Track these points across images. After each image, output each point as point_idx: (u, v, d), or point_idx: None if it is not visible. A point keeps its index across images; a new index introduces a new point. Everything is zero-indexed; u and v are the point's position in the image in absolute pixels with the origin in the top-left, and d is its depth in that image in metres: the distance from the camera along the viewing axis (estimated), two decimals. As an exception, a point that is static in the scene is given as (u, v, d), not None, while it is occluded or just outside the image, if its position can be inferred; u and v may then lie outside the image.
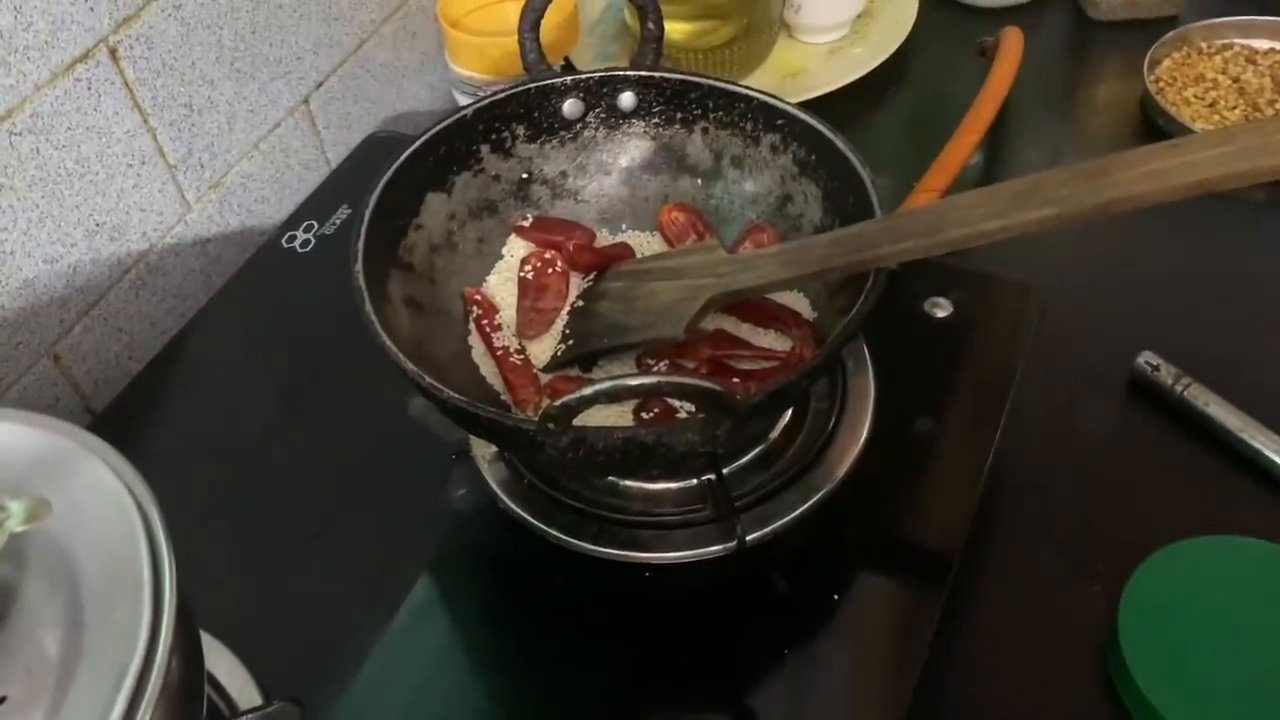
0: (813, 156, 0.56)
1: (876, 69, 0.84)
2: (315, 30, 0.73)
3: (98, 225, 0.62)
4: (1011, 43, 0.80)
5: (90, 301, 0.63)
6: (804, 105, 0.81)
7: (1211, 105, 0.79)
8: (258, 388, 0.65)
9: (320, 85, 0.75)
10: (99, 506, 0.40)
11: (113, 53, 0.60)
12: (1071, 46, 0.90)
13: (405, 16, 0.82)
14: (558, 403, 0.39)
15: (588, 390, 0.39)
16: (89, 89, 0.60)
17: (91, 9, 0.58)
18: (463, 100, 0.83)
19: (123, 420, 0.63)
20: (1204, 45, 0.83)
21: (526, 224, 0.61)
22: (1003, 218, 0.43)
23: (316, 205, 0.73)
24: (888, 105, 0.85)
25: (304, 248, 0.70)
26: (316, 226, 0.71)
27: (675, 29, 0.83)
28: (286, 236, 0.71)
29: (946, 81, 0.87)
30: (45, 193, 0.59)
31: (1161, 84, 0.81)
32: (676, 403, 0.52)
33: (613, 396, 0.39)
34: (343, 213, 0.72)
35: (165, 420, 0.63)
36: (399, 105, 0.84)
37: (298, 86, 0.74)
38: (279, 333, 0.67)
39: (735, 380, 0.53)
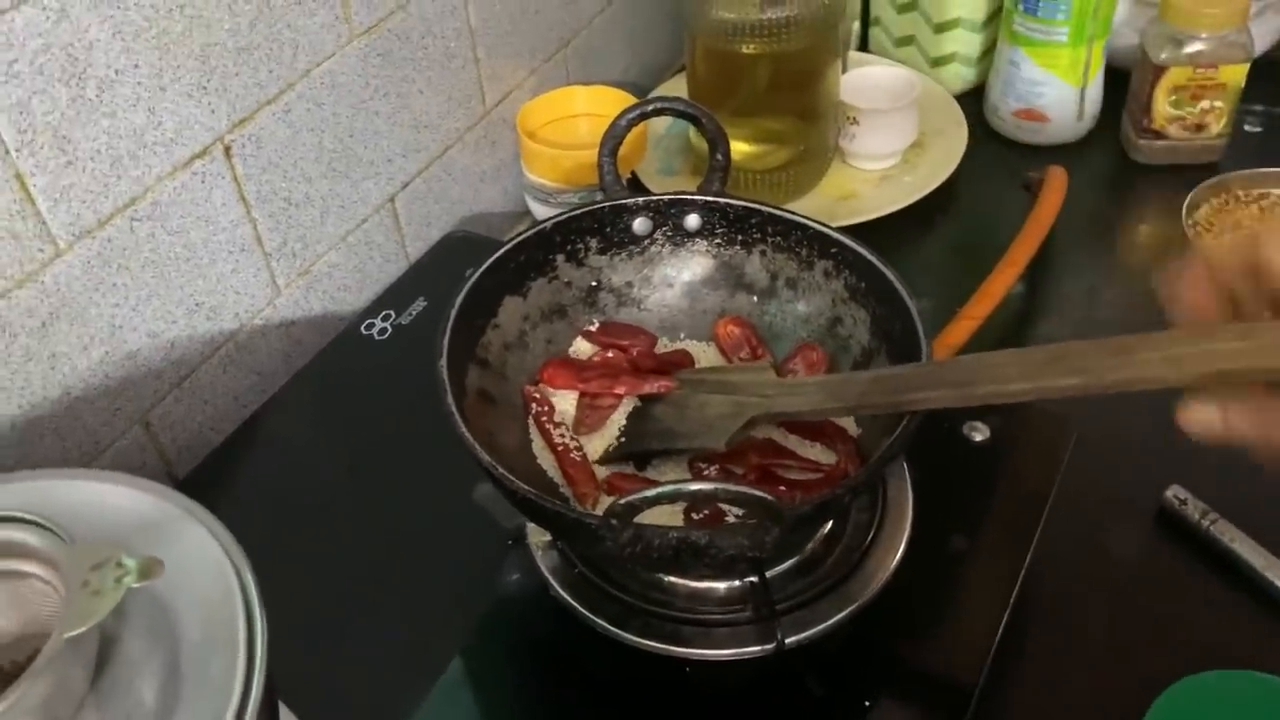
0: (863, 284, 0.61)
1: (925, 197, 0.89)
2: (406, 136, 0.80)
3: (197, 305, 0.68)
4: (1056, 180, 0.85)
5: (183, 375, 0.68)
6: (854, 228, 0.86)
7: (1246, 252, 0.82)
8: (328, 464, 0.69)
9: (406, 186, 0.81)
10: (199, 568, 0.43)
11: (227, 150, 0.66)
12: (1113, 186, 0.94)
13: (487, 126, 0.88)
14: (622, 501, 0.43)
15: (650, 492, 0.42)
16: (203, 182, 0.65)
17: (213, 111, 0.65)
18: (534, 205, 0.89)
19: (202, 487, 0.66)
20: (1242, 194, 0.87)
21: (593, 328, 0.65)
22: (1030, 381, 0.47)
23: (395, 296, 0.78)
24: (934, 232, 0.90)
25: (381, 335, 0.75)
26: (394, 316, 0.76)
27: (735, 149, 0.87)
28: (365, 324, 0.76)
29: (991, 212, 0.92)
30: (155, 273, 0.64)
31: (1199, 228, 0.85)
32: (725, 507, 0.55)
33: (674, 499, 0.43)
34: (419, 304, 0.77)
35: (241, 489, 0.67)
36: (475, 207, 0.89)
37: (386, 186, 0.79)
38: (352, 414, 0.71)
39: (781, 489, 0.56)
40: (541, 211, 0.88)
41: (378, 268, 0.81)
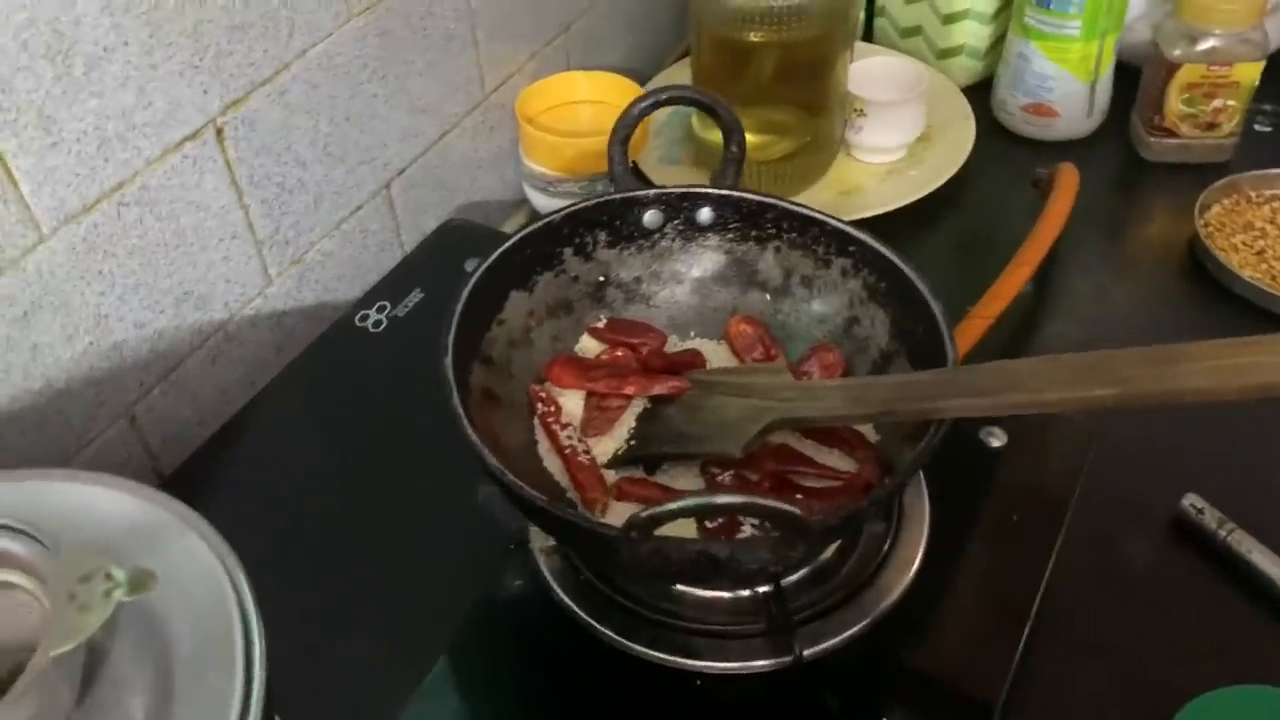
0: (883, 284, 0.59)
1: (931, 192, 0.87)
2: (403, 120, 0.77)
3: (186, 294, 0.65)
4: (1067, 179, 0.83)
5: (170, 366, 0.65)
6: (858, 223, 0.84)
7: (1260, 254, 0.81)
8: (320, 462, 0.66)
9: (402, 172, 0.79)
10: (191, 576, 0.41)
11: (219, 132, 0.63)
12: (1122, 184, 0.93)
13: (486, 111, 0.85)
14: (644, 514, 0.41)
15: (675, 504, 0.40)
16: (194, 165, 0.62)
17: (205, 91, 0.62)
18: (533, 194, 0.86)
19: (188, 484, 0.64)
20: (1253, 194, 0.86)
21: (600, 325, 0.63)
22: (1065, 390, 0.45)
23: (390, 287, 0.75)
24: (940, 228, 0.88)
25: (376, 327, 0.73)
26: (389, 308, 0.73)
27: (740, 140, 0.86)
28: (359, 315, 0.73)
29: (998, 209, 0.90)
30: (143, 261, 0.61)
31: (1211, 229, 0.84)
32: (742, 516, 0.53)
33: (701, 512, 0.41)
34: (415, 296, 0.74)
35: (228, 487, 0.64)
36: (472, 195, 0.87)
37: (382, 172, 0.77)
38: (345, 409, 0.69)
39: (798, 496, 0.54)
40: (540, 201, 0.86)
41: (372, 257, 0.78)
